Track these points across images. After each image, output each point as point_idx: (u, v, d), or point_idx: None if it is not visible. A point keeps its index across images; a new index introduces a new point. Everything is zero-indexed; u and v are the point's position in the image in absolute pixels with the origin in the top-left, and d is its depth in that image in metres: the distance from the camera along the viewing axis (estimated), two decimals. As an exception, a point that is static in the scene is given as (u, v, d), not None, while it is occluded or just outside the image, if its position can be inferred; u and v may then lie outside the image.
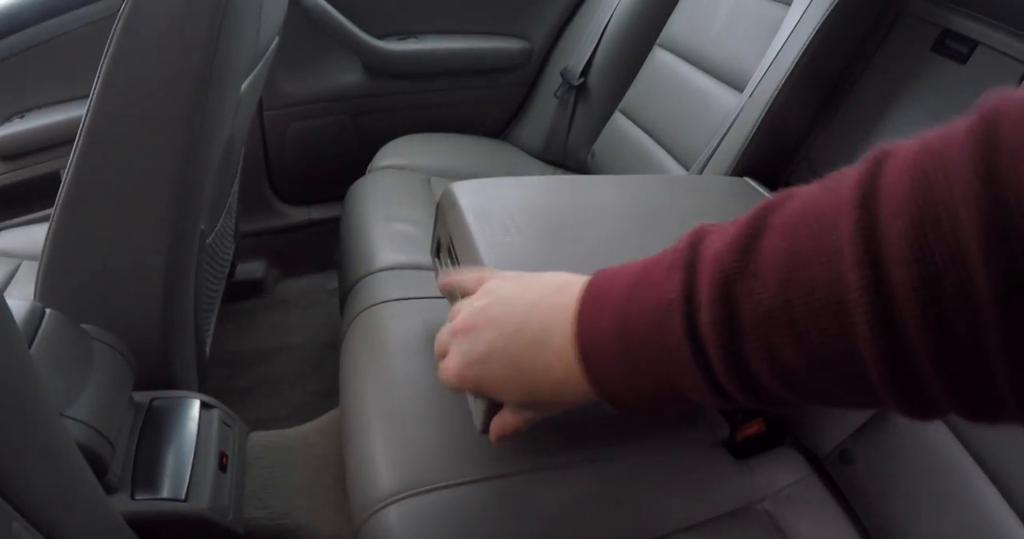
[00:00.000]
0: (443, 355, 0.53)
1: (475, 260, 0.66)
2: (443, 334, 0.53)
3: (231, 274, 1.69)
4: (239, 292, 1.70)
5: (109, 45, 0.80)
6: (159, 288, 1.01)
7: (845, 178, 0.32)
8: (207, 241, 1.12)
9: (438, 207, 0.80)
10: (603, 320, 0.41)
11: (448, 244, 0.75)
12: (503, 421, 0.53)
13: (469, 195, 0.76)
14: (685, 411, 0.43)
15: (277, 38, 1.32)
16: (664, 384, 0.39)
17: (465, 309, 0.51)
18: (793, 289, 0.31)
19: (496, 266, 0.65)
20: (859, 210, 0.29)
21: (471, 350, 0.49)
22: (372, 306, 1.00)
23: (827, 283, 0.30)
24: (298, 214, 1.80)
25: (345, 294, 1.13)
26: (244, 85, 1.01)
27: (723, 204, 0.91)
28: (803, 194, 0.34)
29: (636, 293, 0.40)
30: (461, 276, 0.56)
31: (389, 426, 0.80)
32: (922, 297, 0.27)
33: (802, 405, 0.35)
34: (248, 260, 1.74)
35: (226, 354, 1.56)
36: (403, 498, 0.71)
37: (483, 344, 0.48)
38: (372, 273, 1.09)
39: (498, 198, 0.76)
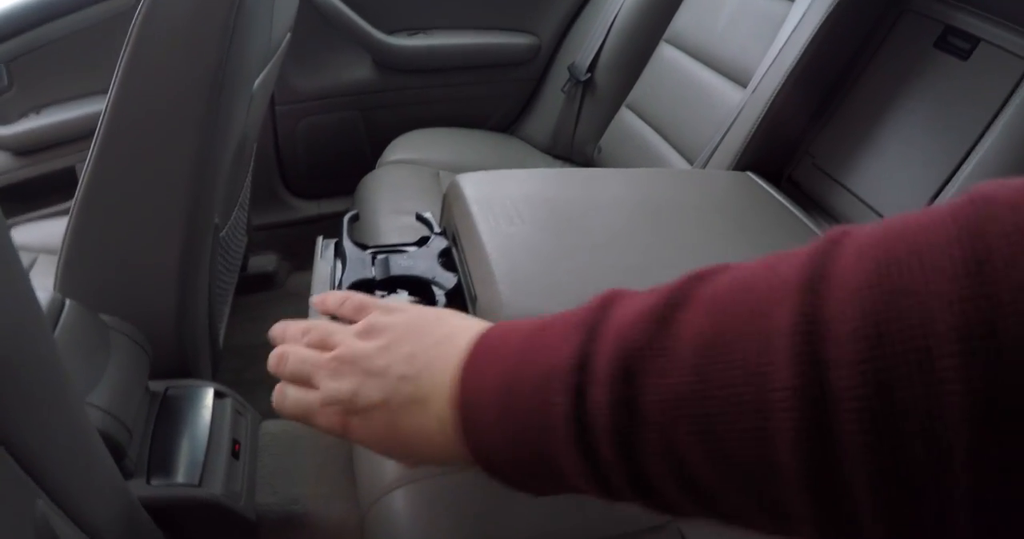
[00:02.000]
0: (298, 380, 0.45)
1: (479, 249, 0.68)
2: (307, 360, 0.45)
3: (244, 267, 1.71)
4: (251, 285, 1.72)
5: (127, 45, 0.82)
6: (174, 280, 1.03)
7: (792, 256, 0.27)
8: (220, 234, 1.15)
9: (444, 198, 0.82)
10: (487, 381, 0.36)
11: (454, 234, 0.77)
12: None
13: (474, 186, 0.78)
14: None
15: (288, 34, 1.34)
16: (545, 465, 0.33)
17: (341, 340, 0.44)
18: (710, 377, 0.26)
19: (499, 255, 0.66)
20: (803, 294, 0.24)
21: (350, 400, 0.41)
22: (372, 296, 1.02)
23: (752, 375, 0.24)
24: (309, 208, 1.82)
25: (352, 286, 1.15)
26: (256, 82, 1.03)
27: (724, 198, 0.92)
28: (741, 268, 0.29)
29: (527, 353, 0.34)
30: (336, 299, 0.50)
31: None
32: (869, 406, 0.21)
33: (699, 516, 0.29)
34: (260, 253, 1.76)
35: (238, 346, 1.58)
36: (409, 483, 0.73)
37: (363, 397, 0.41)
38: (380, 265, 1.11)
39: (503, 189, 0.78)
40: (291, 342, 0.49)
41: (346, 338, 0.44)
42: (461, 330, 0.40)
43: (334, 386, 0.42)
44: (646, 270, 0.66)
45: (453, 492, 0.73)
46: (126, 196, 0.94)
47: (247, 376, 1.51)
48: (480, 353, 0.38)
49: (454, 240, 0.78)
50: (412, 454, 0.42)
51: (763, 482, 0.25)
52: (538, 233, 0.70)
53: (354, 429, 0.42)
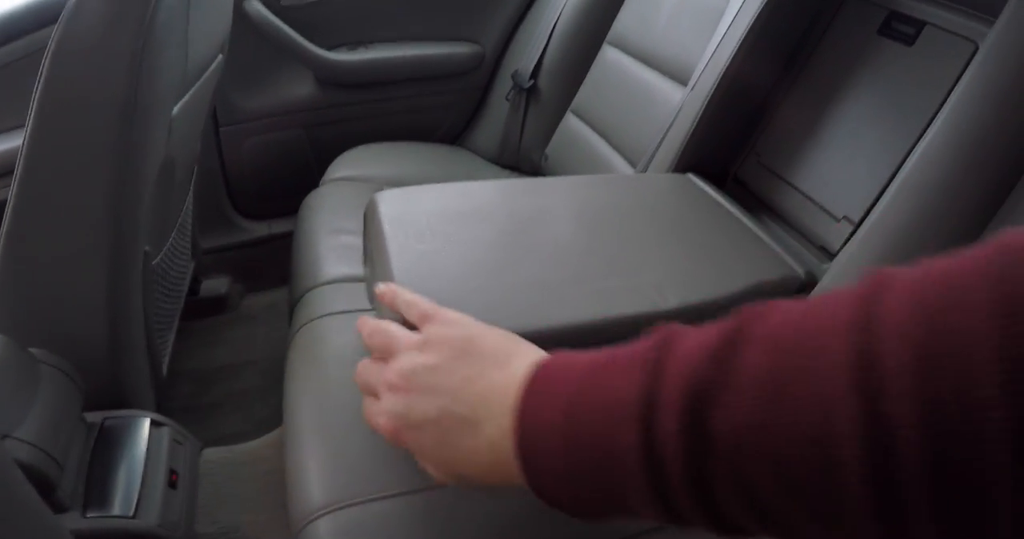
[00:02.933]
0: (369, 392, 0.50)
1: (386, 267, 0.67)
2: (372, 374, 0.50)
3: (195, 291, 1.69)
4: (204, 309, 1.70)
5: (39, 79, 0.83)
6: (103, 311, 1.01)
7: (839, 298, 0.29)
8: (153, 262, 1.13)
9: (364, 216, 0.80)
10: (546, 411, 0.38)
11: (370, 252, 0.76)
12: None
13: (390, 203, 0.77)
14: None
15: (221, 56, 1.33)
16: (607, 492, 0.35)
17: (401, 351, 0.48)
18: (775, 410, 0.28)
19: (405, 273, 0.65)
20: (857, 333, 0.27)
21: (405, 414, 0.45)
22: (313, 320, 1.01)
23: (815, 410, 0.27)
24: (259, 229, 1.80)
25: (292, 308, 1.14)
26: (177, 108, 1.01)
27: (659, 203, 0.90)
28: (787, 307, 0.31)
29: (589, 387, 0.36)
30: (406, 301, 0.54)
31: (322, 439, 0.80)
32: (925, 435, 0.24)
33: (766, 535, 0.31)
34: (212, 276, 1.74)
35: (192, 371, 1.57)
36: (333, 511, 0.72)
37: (417, 412, 0.45)
38: (316, 287, 1.10)
39: (420, 206, 0.77)
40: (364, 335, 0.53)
41: (406, 350, 0.48)
42: (517, 356, 0.43)
43: (392, 400, 0.47)
44: (560, 284, 0.65)
45: (379, 520, 0.71)
46: (48, 229, 0.93)
47: (200, 401, 1.49)
48: (539, 382, 0.40)
49: (371, 257, 0.76)
50: (457, 472, 0.44)
51: (831, 507, 0.27)
52: (449, 251, 0.69)
53: (406, 440, 0.46)
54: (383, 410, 0.47)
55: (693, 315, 0.66)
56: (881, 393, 0.25)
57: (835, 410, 0.26)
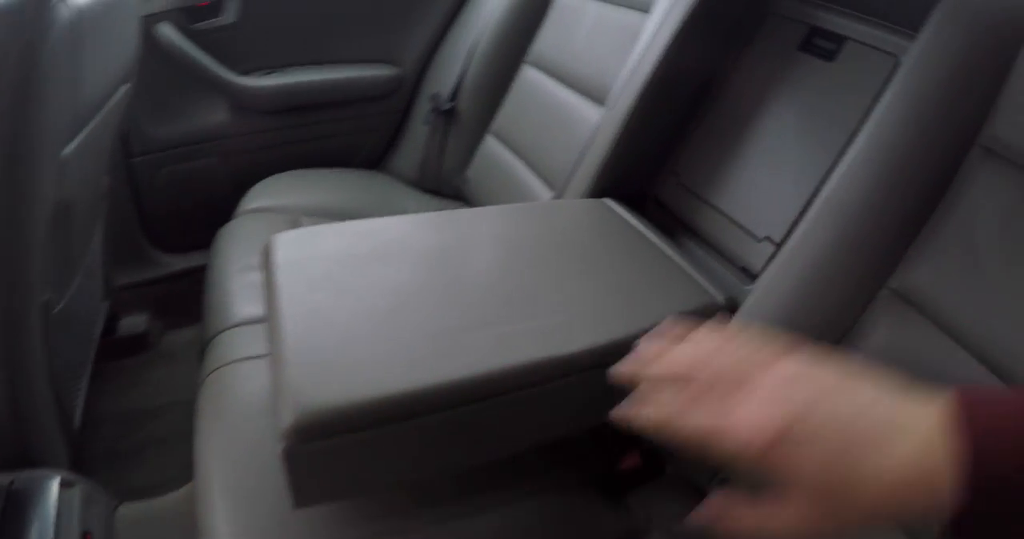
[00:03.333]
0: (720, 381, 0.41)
1: (278, 320, 0.63)
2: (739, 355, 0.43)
3: (113, 330, 1.62)
4: (123, 348, 1.63)
5: None
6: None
7: None
8: (55, 311, 1.07)
9: (262, 259, 0.76)
10: (1000, 411, 0.34)
11: (266, 299, 0.72)
12: (756, 517, 0.40)
13: (286, 248, 0.73)
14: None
15: (126, 86, 1.27)
16: None
17: (781, 365, 0.41)
18: None
19: (296, 328, 0.62)
20: None
21: (788, 424, 0.37)
22: (222, 366, 0.96)
23: None
24: (177, 262, 1.73)
25: (202, 350, 1.09)
26: (69, 148, 0.96)
27: (571, 232, 0.88)
28: None
29: None
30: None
31: (233, 501, 0.76)
32: None
33: None
34: (130, 314, 1.67)
35: (113, 415, 1.50)
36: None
37: (810, 423, 0.37)
38: (226, 329, 1.05)
39: (318, 249, 0.73)
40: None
41: (771, 378, 0.40)
42: (897, 386, 0.38)
43: (767, 405, 0.38)
44: (459, 331, 0.62)
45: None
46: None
47: (122, 447, 1.43)
48: (967, 398, 0.35)
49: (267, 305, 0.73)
50: (846, 499, 0.36)
51: None
52: (344, 300, 0.65)
53: (783, 457, 0.37)
54: (744, 419, 0.39)
55: (599, 357, 0.64)
56: None
57: None
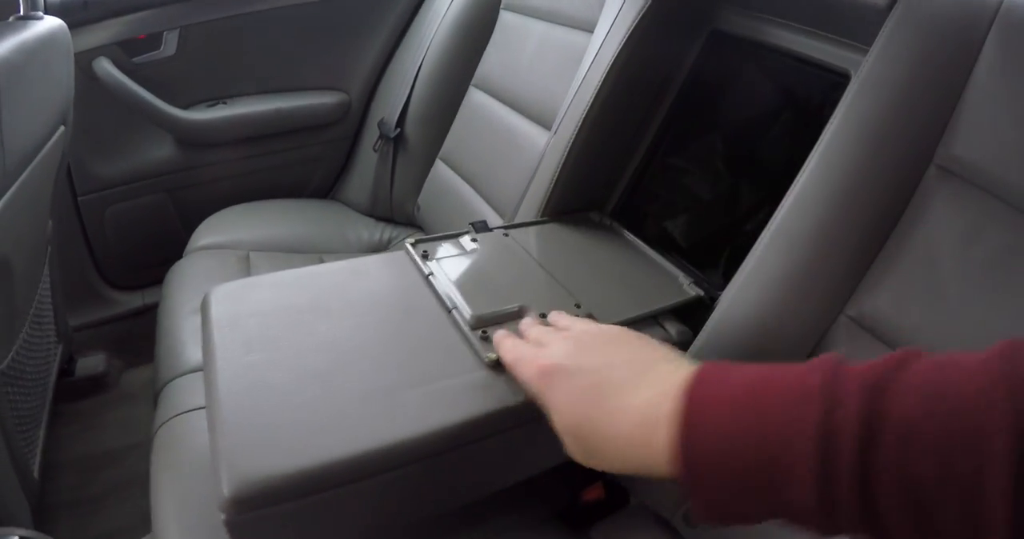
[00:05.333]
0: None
1: (213, 383, 0.62)
2: (544, 330, 0.61)
3: (70, 372, 1.60)
4: (82, 390, 1.61)
5: None
6: (-55, 431, 0.94)
7: (971, 356, 0.35)
8: (2, 366, 1.05)
9: (201, 312, 0.75)
10: (717, 388, 0.40)
11: (205, 355, 0.70)
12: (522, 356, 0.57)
13: (222, 304, 0.72)
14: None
15: (62, 128, 1.25)
16: (765, 473, 0.36)
17: (580, 326, 0.56)
18: (939, 405, 0.33)
19: (232, 392, 0.60)
20: (1002, 362, 0.33)
21: (564, 359, 0.51)
22: (175, 416, 0.95)
23: (974, 405, 0.32)
24: (132, 300, 1.71)
25: (155, 398, 1.07)
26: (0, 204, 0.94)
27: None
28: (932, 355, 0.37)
29: (763, 378, 0.39)
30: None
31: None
32: None
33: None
34: (88, 354, 1.64)
35: (75, 459, 1.47)
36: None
37: (580, 360, 0.50)
38: (179, 376, 1.04)
39: (253, 303, 0.72)
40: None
41: (578, 329, 0.55)
42: (675, 357, 0.48)
43: (560, 346, 0.52)
44: (398, 388, 0.61)
45: None
46: None
47: (85, 494, 1.40)
48: (709, 371, 0.42)
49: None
50: (587, 433, 0.46)
51: (981, 504, 0.30)
52: (278, 359, 0.64)
53: (550, 385, 0.50)
54: (546, 353, 0.53)
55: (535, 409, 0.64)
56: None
57: (991, 405, 0.31)
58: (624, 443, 0.43)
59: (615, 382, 0.46)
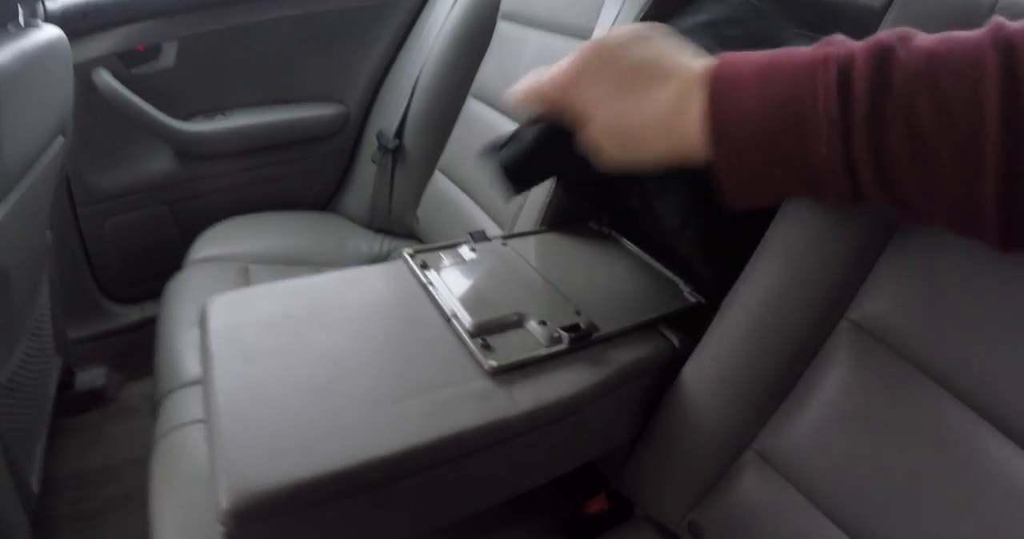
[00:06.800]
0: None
1: (212, 394, 0.62)
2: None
3: (70, 385, 1.59)
4: (82, 403, 1.60)
5: None
6: (-56, 446, 0.94)
7: (967, 35, 0.40)
8: (1, 380, 1.05)
9: (199, 324, 0.74)
10: (740, 67, 0.44)
11: (203, 366, 0.70)
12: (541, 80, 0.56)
13: (220, 314, 0.71)
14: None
15: (61, 139, 1.25)
16: (789, 129, 0.41)
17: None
18: (939, 63, 0.38)
19: (231, 403, 0.60)
20: (996, 30, 0.38)
21: (584, 68, 0.51)
22: (174, 429, 0.94)
23: (970, 57, 0.37)
24: (131, 313, 1.71)
25: (155, 410, 1.07)
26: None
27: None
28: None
29: (783, 54, 0.43)
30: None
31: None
32: None
33: (909, 182, 0.39)
34: (87, 368, 1.64)
35: (74, 474, 1.47)
36: None
37: (604, 65, 0.50)
38: (178, 389, 1.03)
39: (251, 313, 0.71)
40: None
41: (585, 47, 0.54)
42: (689, 50, 0.50)
43: (576, 59, 0.53)
44: (398, 398, 0.61)
45: None
46: None
47: (84, 508, 1.40)
48: (727, 57, 0.46)
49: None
50: (624, 123, 0.49)
51: (973, 138, 0.36)
52: (276, 370, 0.63)
53: (577, 92, 0.51)
54: (559, 68, 0.54)
55: (543, 417, 0.63)
56: (1013, 49, 0.36)
57: (984, 59, 0.36)
58: (659, 128, 0.47)
59: (642, 78, 0.48)
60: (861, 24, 0.74)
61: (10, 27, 1.15)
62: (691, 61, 0.47)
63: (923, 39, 0.40)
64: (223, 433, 0.58)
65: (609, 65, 0.50)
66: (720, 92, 0.44)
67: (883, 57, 0.39)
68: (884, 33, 0.41)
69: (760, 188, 0.44)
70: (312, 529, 0.57)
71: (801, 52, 0.43)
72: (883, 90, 0.38)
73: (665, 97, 0.46)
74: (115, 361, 1.68)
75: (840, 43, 0.42)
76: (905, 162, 0.38)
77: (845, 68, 0.40)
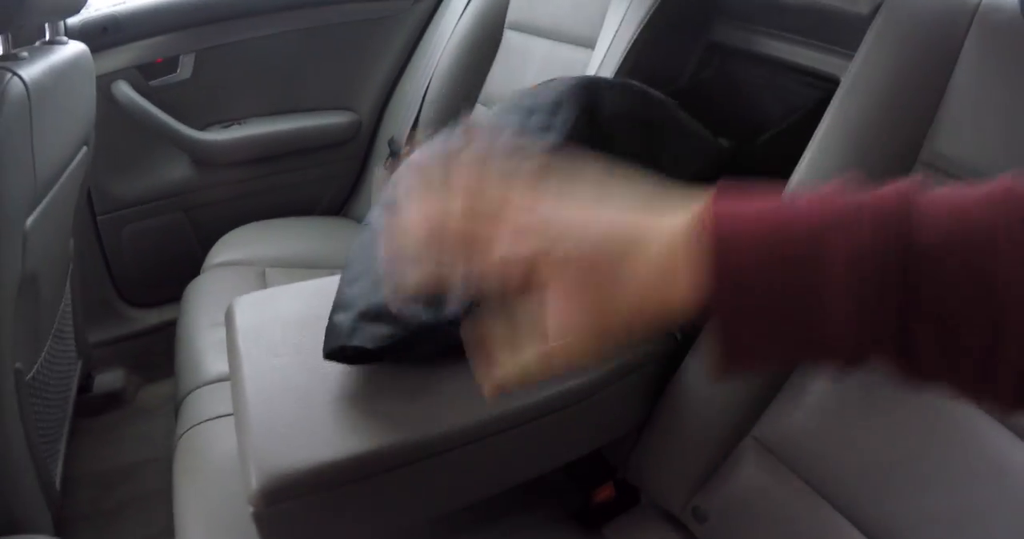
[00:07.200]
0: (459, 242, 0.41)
1: (240, 384, 0.65)
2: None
3: (88, 388, 1.63)
4: (100, 405, 1.64)
5: None
6: (-25, 440, 0.98)
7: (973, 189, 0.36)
8: (28, 377, 1.09)
9: (225, 322, 0.78)
10: (742, 210, 0.37)
11: (231, 361, 0.73)
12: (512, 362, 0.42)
13: (246, 312, 0.75)
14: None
15: (85, 149, 1.30)
16: (802, 287, 0.35)
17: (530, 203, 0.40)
18: (965, 222, 0.34)
19: (259, 394, 0.64)
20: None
21: (547, 248, 0.38)
22: (196, 425, 0.98)
23: (989, 227, 0.33)
24: (149, 317, 1.75)
25: (176, 409, 1.10)
26: (31, 220, 0.98)
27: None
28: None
29: (784, 206, 0.37)
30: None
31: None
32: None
33: (939, 378, 0.36)
34: (105, 371, 1.68)
35: (93, 474, 1.50)
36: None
37: (565, 246, 0.38)
38: (199, 387, 1.07)
39: (276, 311, 0.75)
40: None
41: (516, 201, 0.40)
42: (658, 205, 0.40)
43: (525, 237, 0.39)
44: (421, 390, 0.64)
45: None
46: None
47: (102, 507, 1.43)
48: (719, 204, 0.37)
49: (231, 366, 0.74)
50: (608, 299, 0.38)
51: (990, 299, 0.33)
52: (302, 362, 0.67)
53: (546, 253, 0.38)
54: (503, 254, 0.39)
55: (553, 404, 0.67)
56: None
57: (996, 236, 0.33)
58: (644, 307, 0.39)
59: (618, 249, 0.38)
60: (851, 30, 0.77)
61: (37, 44, 1.19)
62: (660, 219, 0.39)
63: (933, 196, 0.36)
64: (252, 421, 0.61)
65: (569, 251, 0.39)
66: (718, 239, 0.36)
67: (902, 215, 0.35)
68: (893, 188, 0.37)
69: (759, 354, 0.38)
70: (335, 509, 0.61)
71: (809, 205, 0.37)
72: (904, 250, 0.34)
73: (645, 263, 0.38)
74: (132, 364, 1.72)
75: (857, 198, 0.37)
76: (925, 339, 0.35)
77: (859, 221, 0.35)
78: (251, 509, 0.58)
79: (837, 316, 0.35)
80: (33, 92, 0.96)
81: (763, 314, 0.36)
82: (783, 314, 0.36)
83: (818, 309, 0.35)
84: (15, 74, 0.94)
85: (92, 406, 1.63)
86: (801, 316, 0.36)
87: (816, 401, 0.69)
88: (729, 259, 0.36)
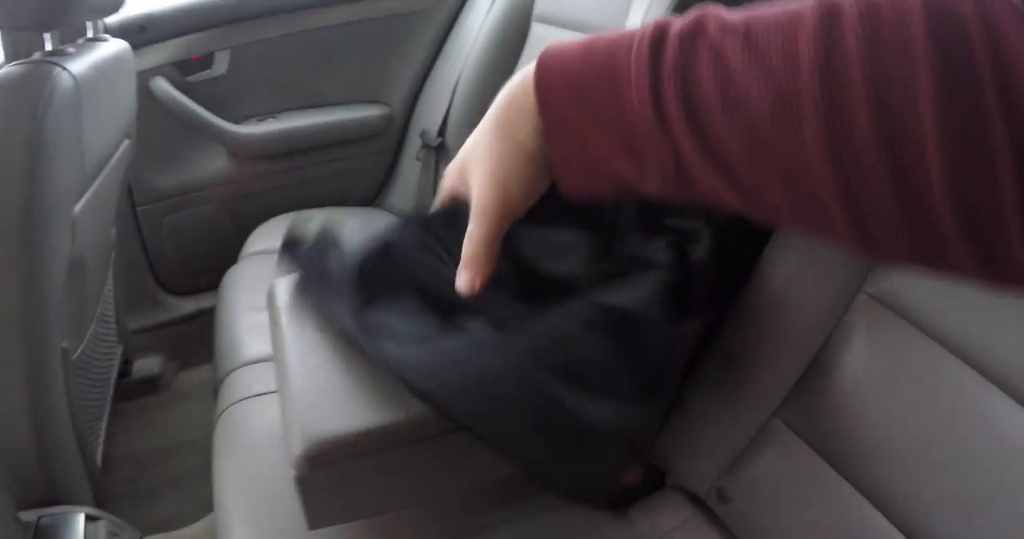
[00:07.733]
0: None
1: (283, 362, 0.68)
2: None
3: (127, 373, 1.68)
4: (137, 390, 1.69)
5: None
6: (25, 413, 1.02)
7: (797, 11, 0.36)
8: (74, 357, 1.13)
9: (267, 301, 0.81)
10: (565, 54, 0.43)
11: (273, 338, 0.76)
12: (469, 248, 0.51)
13: (288, 291, 0.78)
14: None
15: (128, 141, 1.34)
16: (609, 94, 0.40)
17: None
18: (754, 17, 0.36)
19: (303, 364, 0.67)
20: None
21: (464, 160, 0.52)
22: (235, 403, 1.02)
23: (786, 20, 0.34)
24: (187, 305, 1.79)
25: (216, 390, 1.14)
26: (79, 206, 1.03)
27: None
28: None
29: (597, 39, 0.43)
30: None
31: (253, 529, 0.81)
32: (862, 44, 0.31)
33: (730, 162, 0.37)
34: (143, 356, 1.73)
35: (129, 455, 1.55)
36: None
37: (466, 156, 0.52)
38: (237, 368, 1.11)
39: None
40: None
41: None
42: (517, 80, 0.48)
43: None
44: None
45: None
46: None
47: (139, 486, 1.48)
48: (549, 49, 0.44)
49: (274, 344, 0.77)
50: (506, 170, 0.47)
51: (785, 80, 0.33)
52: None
53: (465, 163, 0.52)
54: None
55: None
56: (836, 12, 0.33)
57: (803, 15, 0.34)
58: (516, 129, 0.47)
59: (498, 137, 0.48)
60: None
61: (81, 41, 1.24)
62: (517, 94, 0.47)
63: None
64: (296, 390, 0.64)
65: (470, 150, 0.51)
66: (544, 67, 0.43)
67: (702, 15, 0.38)
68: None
69: (586, 161, 0.44)
70: (375, 475, 0.64)
71: (618, 35, 0.42)
72: (694, 35, 0.37)
73: (508, 105, 0.47)
74: (170, 350, 1.77)
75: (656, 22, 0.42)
76: (718, 109, 0.36)
77: (663, 26, 0.39)
78: (294, 474, 0.61)
79: (631, 104, 0.39)
80: (81, 86, 1.01)
81: (580, 117, 0.42)
82: (595, 113, 0.42)
83: (617, 102, 0.40)
84: (64, 68, 0.99)
85: (130, 390, 1.68)
86: (608, 111, 0.41)
87: (840, 383, 0.70)
88: (552, 73, 0.43)
